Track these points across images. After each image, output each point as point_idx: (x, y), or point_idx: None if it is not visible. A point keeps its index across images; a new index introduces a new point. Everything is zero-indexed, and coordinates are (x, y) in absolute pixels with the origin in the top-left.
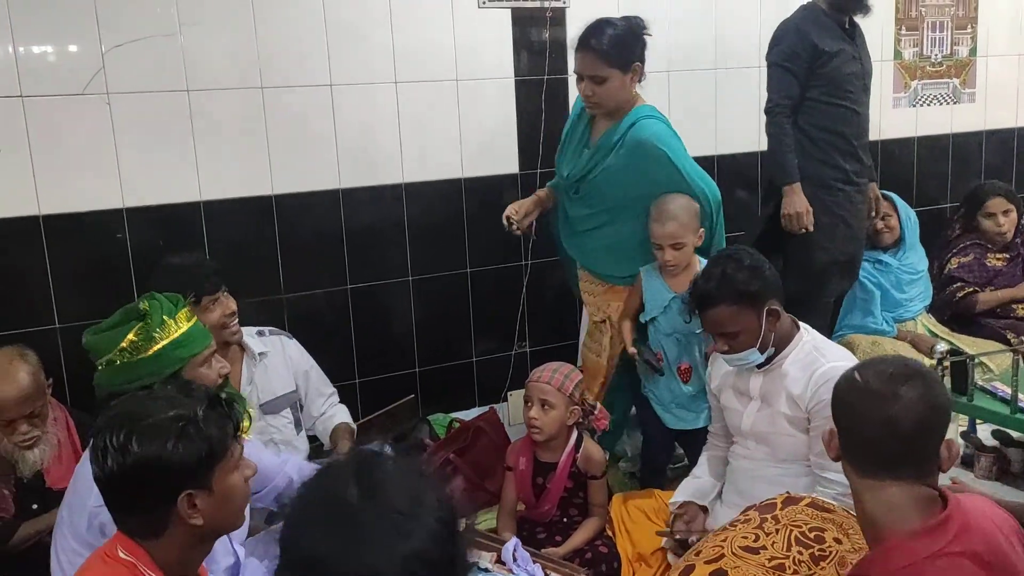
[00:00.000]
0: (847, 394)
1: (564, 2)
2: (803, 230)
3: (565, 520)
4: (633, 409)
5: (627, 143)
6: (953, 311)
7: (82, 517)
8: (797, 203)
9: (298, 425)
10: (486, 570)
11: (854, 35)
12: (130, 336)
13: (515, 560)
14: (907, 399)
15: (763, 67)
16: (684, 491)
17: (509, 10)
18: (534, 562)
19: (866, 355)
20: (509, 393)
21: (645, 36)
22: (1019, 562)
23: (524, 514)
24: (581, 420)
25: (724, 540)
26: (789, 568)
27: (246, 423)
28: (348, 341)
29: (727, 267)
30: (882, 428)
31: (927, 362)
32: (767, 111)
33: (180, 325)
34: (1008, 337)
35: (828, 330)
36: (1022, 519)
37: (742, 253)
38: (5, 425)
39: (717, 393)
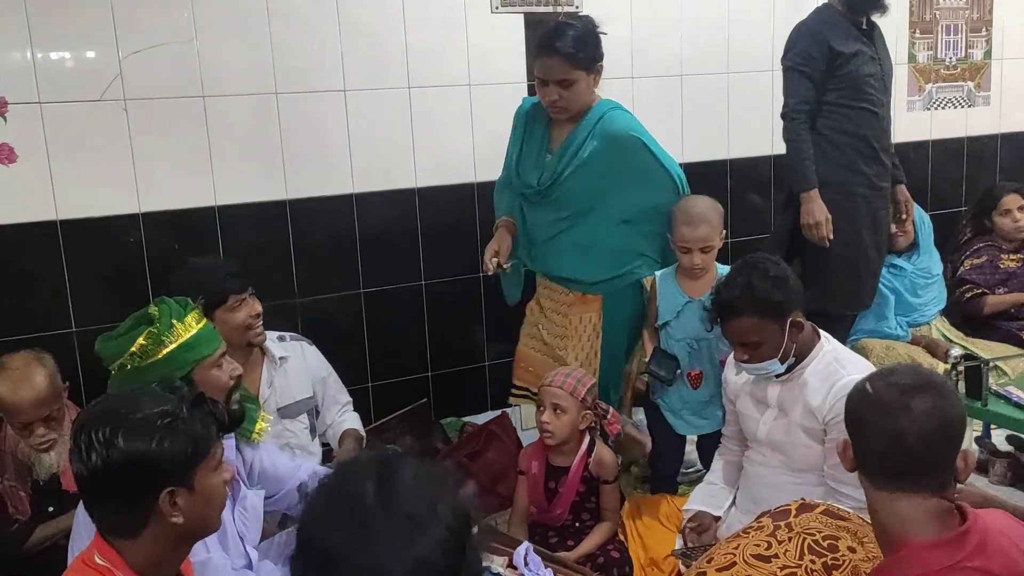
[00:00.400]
0: (858, 406)
1: (576, 7)
2: (824, 240)
3: (577, 524)
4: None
5: (599, 137)
6: (962, 313)
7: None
8: (816, 212)
9: (313, 431)
10: (498, 574)
11: (872, 36)
12: (140, 341)
13: (527, 564)
14: (917, 412)
15: (776, 70)
16: (697, 498)
17: (522, 15)
18: (546, 566)
19: (880, 360)
20: None
21: (600, 34)
22: None
23: (536, 518)
24: (593, 425)
25: (736, 547)
26: None
27: (261, 425)
28: (361, 345)
29: (752, 277)
30: (892, 441)
31: (941, 367)
32: (783, 116)
33: (189, 328)
34: None
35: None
36: None
37: (767, 263)
38: (22, 428)
39: (733, 398)
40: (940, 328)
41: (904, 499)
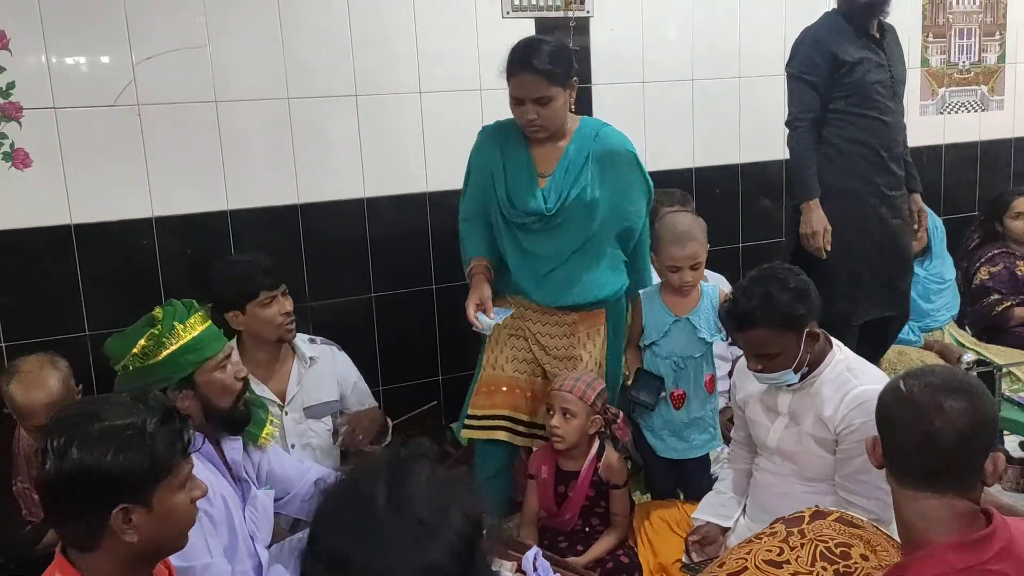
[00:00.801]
0: (890, 404)
1: (587, 11)
2: (820, 251)
3: (587, 529)
4: None
5: (599, 156)
6: (988, 324)
7: None
8: (814, 221)
9: (335, 435)
10: None
11: (882, 42)
12: (141, 342)
13: (535, 569)
14: (950, 412)
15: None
16: (706, 508)
17: (533, 20)
18: (555, 571)
19: (892, 365)
20: None
21: (573, 49)
22: None
23: (546, 523)
24: (603, 429)
25: (748, 552)
26: None
27: (268, 429)
28: (372, 348)
29: (771, 288)
30: (923, 441)
31: None
32: (787, 124)
33: (191, 330)
34: None
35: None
36: None
37: (787, 273)
38: (35, 430)
39: (742, 405)
40: (953, 333)
41: (931, 499)
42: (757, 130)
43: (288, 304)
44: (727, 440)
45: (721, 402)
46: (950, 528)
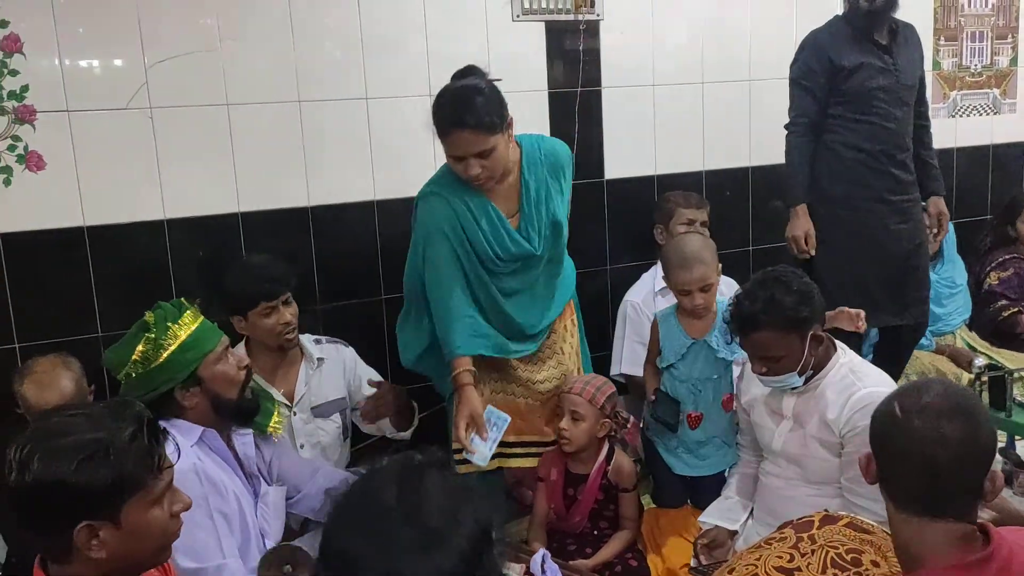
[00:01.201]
0: (887, 429)
1: (597, 14)
2: (803, 255)
3: (596, 532)
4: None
5: (551, 170)
6: (996, 329)
7: None
8: (796, 226)
9: (346, 431)
10: None
11: (891, 47)
12: (139, 347)
13: (544, 572)
14: (950, 440)
15: None
16: (713, 513)
17: (543, 23)
18: (563, 574)
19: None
20: None
21: (497, 82)
22: None
23: (554, 525)
24: (613, 433)
25: (759, 559)
26: None
27: (276, 418)
28: (382, 351)
29: (775, 291)
30: (923, 470)
31: (965, 377)
32: (785, 128)
33: (185, 328)
34: None
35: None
36: None
37: (791, 276)
38: None
39: (748, 408)
40: (965, 337)
41: (929, 524)
42: (767, 133)
43: (288, 314)
44: None
45: None
46: (948, 551)
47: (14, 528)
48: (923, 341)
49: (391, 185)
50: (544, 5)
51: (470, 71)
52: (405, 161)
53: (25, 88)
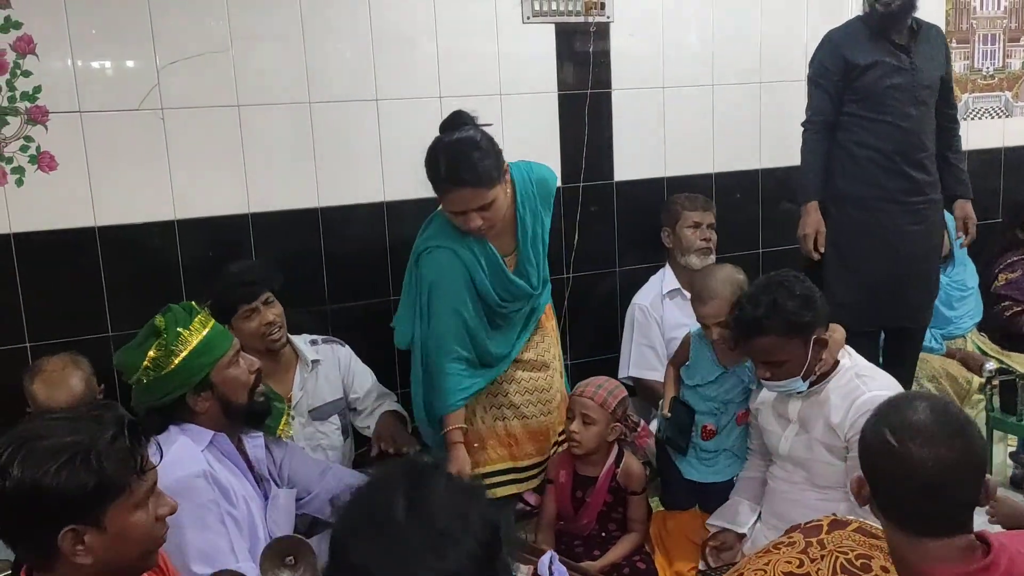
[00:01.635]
0: (880, 455)
1: (608, 17)
2: (811, 253)
3: (604, 535)
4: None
5: (541, 197)
6: (1004, 331)
7: None
8: (806, 223)
9: (345, 432)
10: None
11: (910, 46)
12: (151, 354)
13: (552, 574)
14: (948, 462)
15: (807, 81)
16: (721, 516)
17: (553, 25)
18: None
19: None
20: None
21: (487, 127)
22: None
23: (562, 527)
24: (623, 437)
25: (768, 563)
26: None
27: (285, 420)
28: (391, 352)
29: (778, 295)
30: (921, 493)
31: (976, 381)
32: (801, 126)
33: (197, 333)
34: None
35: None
36: None
37: (793, 280)
38: None
39: (755, 413)
40: (976, 341)
41: (928, 543)
42: (777, 135)
43: (270, 314)
44: None
45: None
46: (951, 563)
47: None
48: (933, 344)
49: (401, 186)
50: (554, 7)
51: (459, 119)
52: (415, 162)
53: (38, 89)
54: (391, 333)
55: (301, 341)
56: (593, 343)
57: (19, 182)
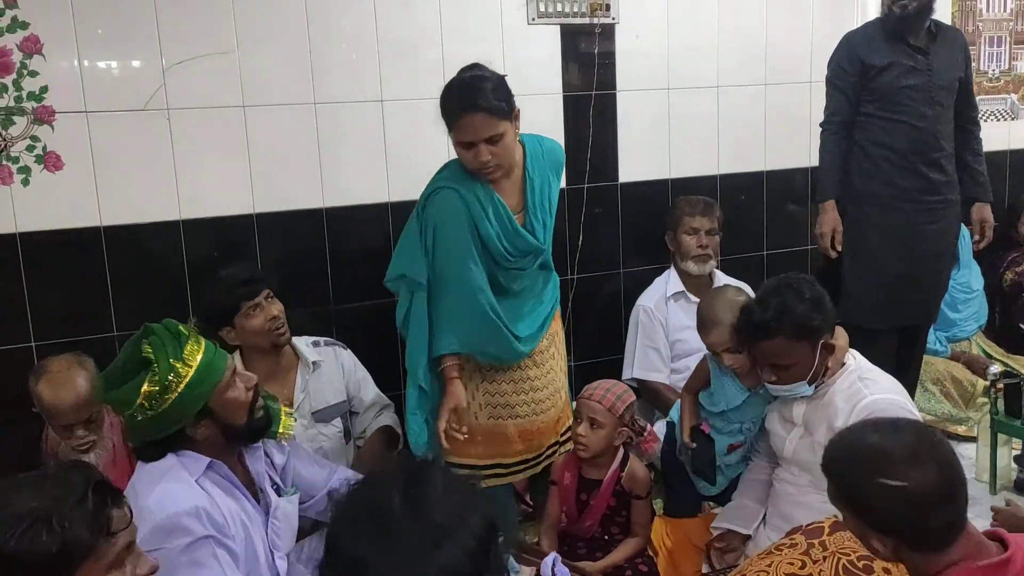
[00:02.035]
0: (895, 504)
1: (613, 18)
2: (828, 251)
3: (607, 538)
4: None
5: (553, 168)
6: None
7: None
8: (823, 222)
9: (347, 434)
10: None
11: (927, 48)
12: (144, 389)
13: (554, 575)
14: (949, 490)
15: (813, 82)
16: (726, 517)
17: (558, 26)
18: None
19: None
20: None
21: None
22: None
23: (566, 528)
24: (629, 441)
25: (770, 565)
26: None
27: (285, 421)
28: (395, 352)
29: (787, 298)
30: (943, 509)
31: (980, 383)
32: (819, 126)
33: (191, 363)
34: None
35: (884, 367)
36: None
37: (802, 283)
38: (63, 429)
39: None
40: (980, 344)
41: (944, 552)
42: (783, 137)
43: (274, 308)
44: None
45: None
46: (968, 561)
47: None
48: (938, 347)
49: (405, 187)
50: (559, 8)
51: (476, 68)
52: (419, 163)
53: (44, 89)
54: (395, 333)
55: (302, 343)
56: (597, 344)
57: (25, 182)
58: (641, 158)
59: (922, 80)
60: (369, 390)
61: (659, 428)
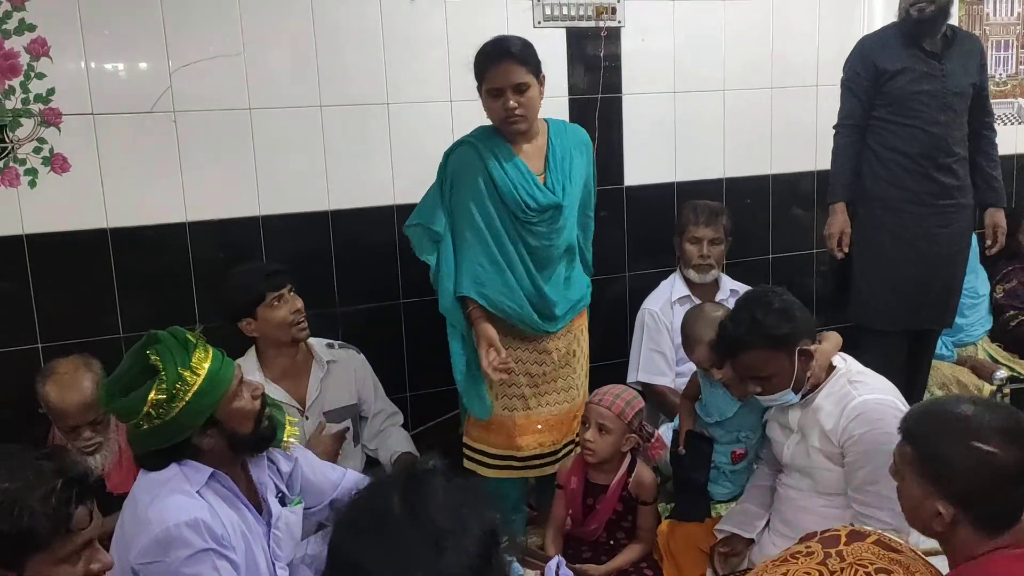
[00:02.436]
0: (981, 469)
1: (619, 21)
2: (835, 252)
3: (612, 542)
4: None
5: (576, 147)
6: (1013, 340)
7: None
8: (832, 224)
9: (356, 438)
10: None
11: (942, 53)
12: (151, 397)
13: None
14: None
15: (819, 85)
16: (730, 520)
17: (564, 29)
18: None
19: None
20: None
21: None
22: None
23: (571, 532)
24: (637, 446)
25: (786, 573)
26: None
27: (289, 430)
28: (400, 355)
29: (756, 311)
30: (1013, 504)
31: (986, 388)
32: (833, 128)
33: (199, 372)
34: None
35: (893, 368)
36: None
37: (771, 295)
38: (69, 431)
39: (763, 423)
40: (987, 348)
41: (995, 535)
42: (789, 140)
43: (297, 302)
44: None
45: None
46: (1016, 546)
47: None
48: (944, 352)
49: (411, 189)
50: (565, 12)
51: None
52: (425, 165)
53: (51, 91)
54: (400, 337)
55: (317, 343)
56: (602, 347)
57: (32, 184)
58: (647, 161)
59: (935, 86)
60: (378, 396)
61: (663, 432)
